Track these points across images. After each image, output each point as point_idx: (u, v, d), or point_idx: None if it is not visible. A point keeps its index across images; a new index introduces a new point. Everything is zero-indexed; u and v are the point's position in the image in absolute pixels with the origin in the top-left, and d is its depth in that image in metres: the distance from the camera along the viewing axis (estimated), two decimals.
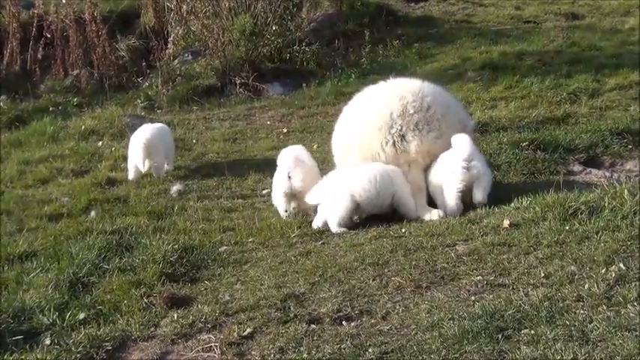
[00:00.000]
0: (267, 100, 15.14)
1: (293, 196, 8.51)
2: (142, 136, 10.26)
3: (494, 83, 13.70)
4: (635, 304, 5.15)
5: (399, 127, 8.05)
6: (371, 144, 8.10)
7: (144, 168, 10.17)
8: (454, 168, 7.76)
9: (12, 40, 17.25)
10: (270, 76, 16.26)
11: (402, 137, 8.06)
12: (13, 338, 5.89)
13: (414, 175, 8.04)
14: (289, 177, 8.47)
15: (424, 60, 16.57)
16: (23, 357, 5.58)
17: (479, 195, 7.81)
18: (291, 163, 8.56)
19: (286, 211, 8.56)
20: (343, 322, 5.61)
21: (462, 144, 7.87)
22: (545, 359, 4.63)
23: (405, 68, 15.75)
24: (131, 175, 10.28)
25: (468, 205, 7.81)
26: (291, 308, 5.87)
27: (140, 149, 10.12)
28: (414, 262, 6.42)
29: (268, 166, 9.91)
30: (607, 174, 9.33)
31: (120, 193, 9.79)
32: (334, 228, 7.74)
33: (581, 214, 6.81)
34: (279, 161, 8.79)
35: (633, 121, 10.76)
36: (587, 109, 11.72)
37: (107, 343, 5.79)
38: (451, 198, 7.77)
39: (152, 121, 11.99)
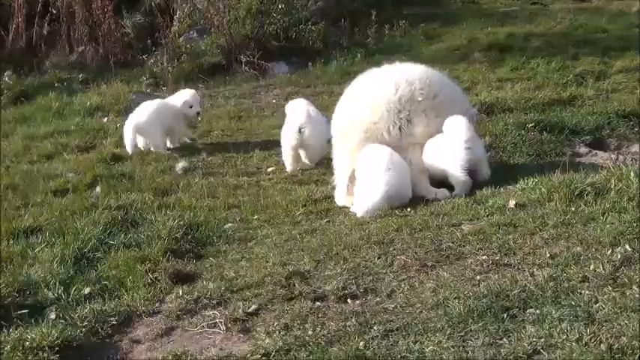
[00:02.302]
0: (273, 78, 15.17)
1: (302, 148, 9.38)
2: (133, 118, 10.53)
3: (501, 64, 13.71)
4: None
5: (407, 113, 8.04)
6: (377, 125, 8.07)
7: (131, 148, 10.43)
8: (456, 150, 7.75)
9: (18, 16, 17.26)
10: (275, 55, 16.27)
11: (409, 121, 8.05)
12: (19, 312, 5.90)
13: (417, 157, 8.02)
14: (301, 130, 9.18)
15: (430, 40, 16.58)
16: (28, 331, 5.58)
17: (484, 172, 7.92)
18: (304, 116, 9.30)
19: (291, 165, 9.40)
20: (348, 300, 5.60)
21: (460, 126, 7.87)
22: (551, 339, 4.62)
23: (411, 48, 15.73)
24: (129, 150, 10.46)
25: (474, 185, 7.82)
26: (296, 285, 5.87)
27: (129, 130, 10.41)
28: (419, 241, 6.41)
29: (273, 145, 9.93)
30: (613, 156, 9.32)
31: (125, 169, 9.79)
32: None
33: (587, 195, 6.79)
34: (287, 113, 9.67)
35: (639, 103, 10.71)
36: (594, 92, 11.70)
37: (112, 318, 5.81)
38: (459, 176, 7.75)
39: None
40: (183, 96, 10.91)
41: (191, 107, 10.85)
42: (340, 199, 8.08)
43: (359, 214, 7.56)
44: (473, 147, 7.79)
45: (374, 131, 8.06)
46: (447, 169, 7.83)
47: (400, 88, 8.10)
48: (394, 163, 7.66)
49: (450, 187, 7.84)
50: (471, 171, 7.80)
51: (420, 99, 8.04)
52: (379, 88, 8.22)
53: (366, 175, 7.69)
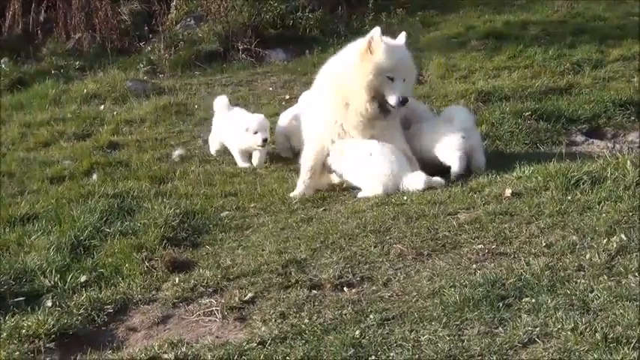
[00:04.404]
0: (270, 66, 15.14)
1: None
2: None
3: (498, 52, 13.64)
4: (636, 274, 5.14)
5: (335, 120, 7.98)
6: (324, 136, 8.08)
7: None
8: (453, 136, 7.79)
9: (14, 3, 17.20)
10: (272, 43, 16.22)
11: (343, 129, 7.97)
12: (15, 300, 5.90)
13: (404, 147, 7.99)
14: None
15: (427, 28, 16.48)
16: (25, 318, 5.58)
17: (479, 160, 7.95)
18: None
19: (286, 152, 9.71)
20: (344, 288, 5.61)
21: (461, 116, 7.93)
22: (546, 328, 4.63)
23: (408, 36, 15.67)
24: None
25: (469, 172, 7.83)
26: (293, 274, 5.88)
27: (222, 100, 10.39)
28: (415, 230, 6.42)
29: (270, 132, 9.92)
30: (609, 145, 9.34)
31: (122, 157, 9.80)
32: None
33: (584, 184, 6.79)
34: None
35: (636, 92, 10.69)
36: (591, 80, 11.65)
37: (108, 306, 5.82)
38: (455, 152, 7.77)
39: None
40: (248, 120, 9.61)
41: (256, 133, 9.41)
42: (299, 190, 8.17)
43: (377, 193, 7.61)
44: (469, 135, 7.83)
45: (325, 141, 8.08)
46: (443, 151, 7.86)
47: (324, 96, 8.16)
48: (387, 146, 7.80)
49: (444, 175, 7.84)
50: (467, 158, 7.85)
51: (339, 99, 7.97)
52: (313, 104, 8.43)
53: (367, 158, 7.72)
